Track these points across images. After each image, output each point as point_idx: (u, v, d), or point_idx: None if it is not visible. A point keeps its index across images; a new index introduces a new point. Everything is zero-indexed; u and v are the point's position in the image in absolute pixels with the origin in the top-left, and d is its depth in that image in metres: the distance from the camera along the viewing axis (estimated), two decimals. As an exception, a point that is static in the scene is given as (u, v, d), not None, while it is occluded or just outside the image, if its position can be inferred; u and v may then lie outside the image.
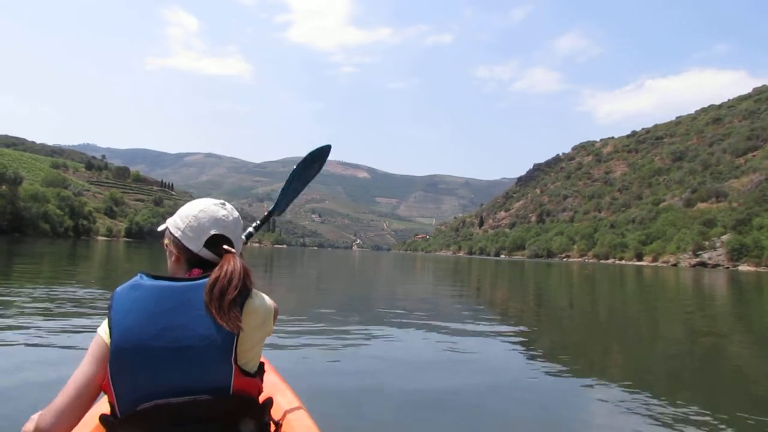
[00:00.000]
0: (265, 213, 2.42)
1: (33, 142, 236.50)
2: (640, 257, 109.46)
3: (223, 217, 1.55)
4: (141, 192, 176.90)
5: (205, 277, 1.41)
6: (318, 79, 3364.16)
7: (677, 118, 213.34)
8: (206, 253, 1.51)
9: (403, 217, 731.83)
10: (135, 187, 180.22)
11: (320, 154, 2.61)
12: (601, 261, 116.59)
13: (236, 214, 1.61)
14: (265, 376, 1.57)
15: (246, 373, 1.38)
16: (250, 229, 2.21)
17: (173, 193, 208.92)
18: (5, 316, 7.04)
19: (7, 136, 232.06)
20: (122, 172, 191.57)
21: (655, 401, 4.42)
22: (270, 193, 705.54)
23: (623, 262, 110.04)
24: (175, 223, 1.55)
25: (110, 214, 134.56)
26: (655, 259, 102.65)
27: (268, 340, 1.53)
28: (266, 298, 1.50)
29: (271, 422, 1.52)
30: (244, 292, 1.41)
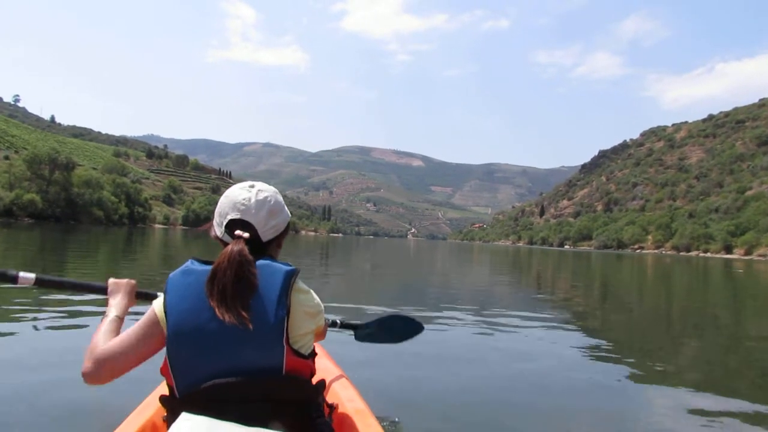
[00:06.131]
0: (348, 322, 2.38)
1: (99, 133, 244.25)
2: (729, 250, 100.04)
3: (244, 201, 1.46)
4: (199, 180, 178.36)
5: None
6: (373, 68, 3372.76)
7: (761, 100, 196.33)
8: (228, 239, 1.46)
9: (458, 206, 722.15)
10: (194, 176, 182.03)
11: (407, 331, 2.61)
12: (681, 253, 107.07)
13: (264, 195, 1.49)
14: (320, 361, 1.56)
15: (299, 354, 1.37)
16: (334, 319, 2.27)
17: (231, 181, 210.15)
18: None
19: (74, 127, 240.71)
20: (181, 161, 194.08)
21: (731, 410, 3.84)
22: (325, 182, 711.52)
23: (708, 254, 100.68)
24: (215, 213, 1.54)
25: (168, 201, 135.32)
26: (748, 252, 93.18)
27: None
28: (315, 296, 1.47)
29: (325, 404, 1.54)
30: (243, 283, 1.34)
